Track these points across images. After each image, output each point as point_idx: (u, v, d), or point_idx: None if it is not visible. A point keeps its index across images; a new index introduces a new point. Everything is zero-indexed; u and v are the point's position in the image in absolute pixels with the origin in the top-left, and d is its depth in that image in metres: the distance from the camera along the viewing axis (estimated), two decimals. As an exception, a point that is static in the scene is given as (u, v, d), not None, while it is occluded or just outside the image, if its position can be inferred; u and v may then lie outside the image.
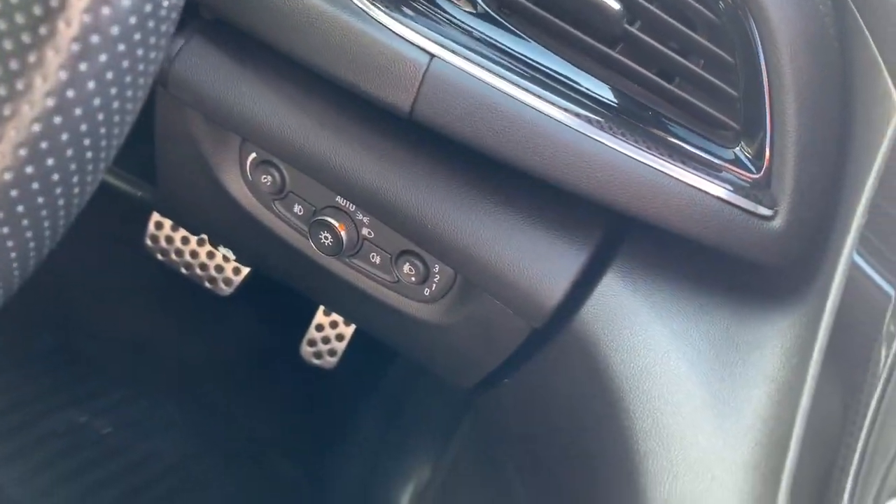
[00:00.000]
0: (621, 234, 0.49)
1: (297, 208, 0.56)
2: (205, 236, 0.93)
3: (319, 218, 0.54)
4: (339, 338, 0.98)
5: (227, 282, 0.98)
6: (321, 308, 0.97)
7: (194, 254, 0.97)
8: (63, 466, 0.94)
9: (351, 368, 0.99)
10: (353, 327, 0.97)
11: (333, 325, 0.98)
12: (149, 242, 0.95)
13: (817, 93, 0.42)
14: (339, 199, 0.54)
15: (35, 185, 0.29)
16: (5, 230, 0.29)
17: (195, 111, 0.54)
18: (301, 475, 0.97)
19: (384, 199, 0.50)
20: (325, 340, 0.98)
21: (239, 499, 0.96)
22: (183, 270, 0.97)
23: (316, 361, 0.99)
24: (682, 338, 0.44)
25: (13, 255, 0.30)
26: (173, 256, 0.97)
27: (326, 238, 0.54)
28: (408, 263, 0.54)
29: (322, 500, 0.96)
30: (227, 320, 1.02)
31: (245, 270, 0.97)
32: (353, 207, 0.54)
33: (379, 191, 0.50)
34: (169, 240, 0.96)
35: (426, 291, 0.55)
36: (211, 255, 0.97)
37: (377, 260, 0.55)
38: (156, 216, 0.93)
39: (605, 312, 0.47)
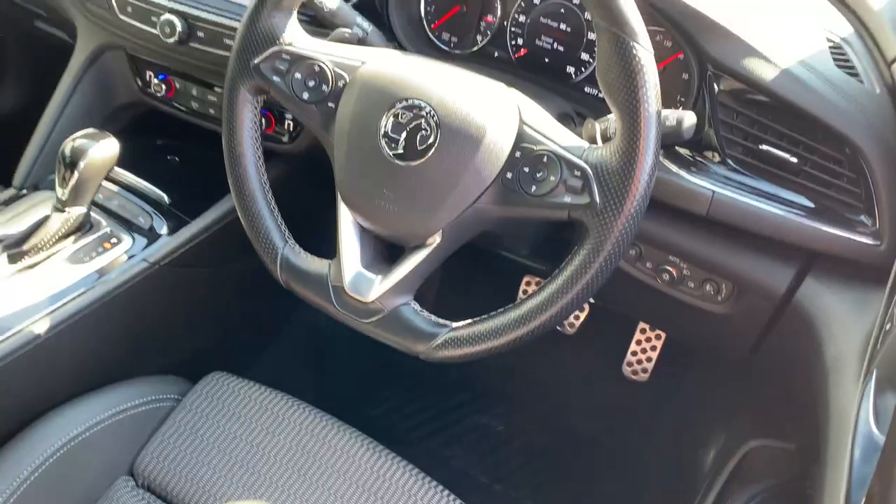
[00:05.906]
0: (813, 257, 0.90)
1: (647, 264, 1.00)
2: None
3: (661, 266, 0.98)
4: (649, 359, 1.41)
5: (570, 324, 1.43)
6: (636, 335, 1.43)
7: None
8: (479, 449, 1.51)
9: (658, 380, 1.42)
10: (658, 349, 1.40)
11: (643, 350, 1.41)
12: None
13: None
14: (670, 257, 0.97)
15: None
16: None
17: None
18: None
19: (701, 259, 0.95)
20: (639, 362, 1.42)
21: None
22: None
23: (633, 377, 1.42)
24: (840, 304, 0.86)
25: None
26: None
27: (667, 275, 0.98)
28: (708, 284, 0.97)
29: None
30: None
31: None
32: (683, 263, 0.97)
33: (697, 252, 0.95)
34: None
35: (719, 297, 0.97)
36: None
37: (692, 285, 0.98)
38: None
39: (809, 297, 0.89)
